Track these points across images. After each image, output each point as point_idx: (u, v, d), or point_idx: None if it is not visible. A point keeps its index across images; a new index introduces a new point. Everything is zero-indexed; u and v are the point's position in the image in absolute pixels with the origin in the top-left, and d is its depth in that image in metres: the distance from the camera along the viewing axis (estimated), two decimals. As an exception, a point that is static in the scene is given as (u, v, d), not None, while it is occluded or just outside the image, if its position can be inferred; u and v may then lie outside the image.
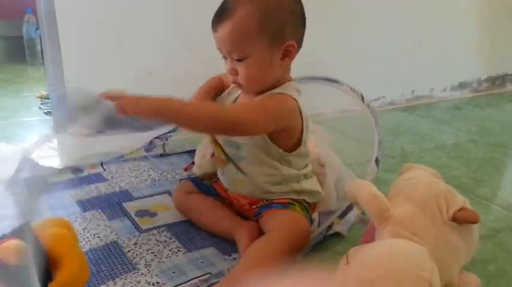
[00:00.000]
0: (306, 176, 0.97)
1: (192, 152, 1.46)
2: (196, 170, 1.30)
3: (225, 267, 0.87)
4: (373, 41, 1.90)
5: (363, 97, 1.06)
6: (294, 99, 0.88)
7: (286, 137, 0.90)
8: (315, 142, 1.28)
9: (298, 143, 0.92)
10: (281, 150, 0.91)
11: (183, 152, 1.50)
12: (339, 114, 1.76)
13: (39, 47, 2.77)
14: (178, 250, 0.93)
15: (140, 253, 0.92)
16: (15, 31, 2.90)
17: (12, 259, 0.60)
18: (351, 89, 1.07)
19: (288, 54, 0.87)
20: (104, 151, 1.38)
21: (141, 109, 0.73)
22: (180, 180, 1.25)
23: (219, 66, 0.94)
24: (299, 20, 0.88)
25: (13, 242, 0.62)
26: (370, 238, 0.75)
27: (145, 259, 0.90)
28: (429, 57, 2.06)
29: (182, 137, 1.50)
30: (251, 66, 0.85)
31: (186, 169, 1.35)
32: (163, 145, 1.48)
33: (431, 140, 1.65)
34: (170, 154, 1.48)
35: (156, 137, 1.46)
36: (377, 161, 1.00)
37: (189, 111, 0.79)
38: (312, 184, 0.98)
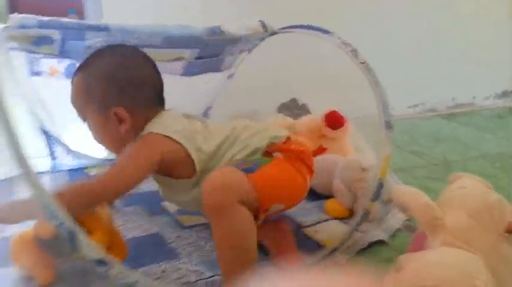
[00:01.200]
0: None
1: None
2: None
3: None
4: (413, 46, 1.87)
5: (356, 52, 0.92)
6: (156, 133, 0.82)
7: (177, 167, 0.84)
8: (354, 146, 1.28)
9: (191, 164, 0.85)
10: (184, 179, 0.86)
11: None
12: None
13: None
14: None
15: (182, 245, 0.94)
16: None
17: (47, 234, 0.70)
18: (343, 42, 0.94)
19: (123, 120, 0.83)
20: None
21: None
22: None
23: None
24: (129, 86, 0.84)
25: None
26: (419, 246, 0.74)
27: (187, 251, 0.92)
28: (472, 64, 2.01)
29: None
30: (91, 128, 0.86)
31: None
32: None
33: (474, 149, 1.61)
34: None
35: None
36: (388, 125, 0.89)
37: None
38: None
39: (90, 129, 0.86)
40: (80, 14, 2.87)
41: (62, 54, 0.98)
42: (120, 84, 0.83)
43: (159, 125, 0.83)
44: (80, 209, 0.75)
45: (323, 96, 1.51)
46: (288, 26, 1.07)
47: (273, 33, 1.11)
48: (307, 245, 0.95)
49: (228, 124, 0.90)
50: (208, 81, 1.27)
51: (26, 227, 0.80)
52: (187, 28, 0.99)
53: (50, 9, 3.03)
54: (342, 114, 1.25)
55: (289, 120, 1.37)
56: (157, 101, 0.88)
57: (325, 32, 0.97)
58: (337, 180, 1.08)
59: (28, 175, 0.62)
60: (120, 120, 0.83)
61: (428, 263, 0.62)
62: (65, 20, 0.90)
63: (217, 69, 1.25)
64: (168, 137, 0.81)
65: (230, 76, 1.32)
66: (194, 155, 0.82)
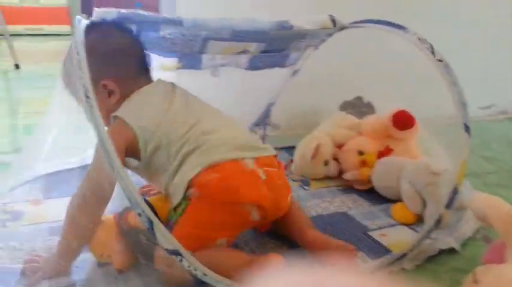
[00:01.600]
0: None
1: (290, 149, 1.45)
2: (295, 170, 1.30)
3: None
4: (485, 41, 1.77)
5: (433, 49, 0.87)
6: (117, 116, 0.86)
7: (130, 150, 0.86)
8: (422, 150, 1.23)
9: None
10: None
11: (282, 148, 1.48)
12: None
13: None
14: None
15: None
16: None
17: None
18: (419, 38, 0.89)
19: (111, 93, 0.89)
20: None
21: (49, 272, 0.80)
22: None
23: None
24: (110, 57, 0.89)
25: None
26: (497, 257, 0.69)
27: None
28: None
29: (280, 133, 1.51)
30: None
31: (285, 168, 1.34)
32: (264, 138, 1.46)
33: (550, 155, 1.50)
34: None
35: (256, 124, 1.45)
36: (467, 128, 0.85)
37: (66, 235, 0.80)
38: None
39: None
40: (149, 7, 2.97)
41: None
42: (104, 57, 0.88)
43: (127, 107, 0.88)
44: (86, 219, 0.80)
45: (390, 95, 1.47)
46: (358, 20, 1.04)
47: (343, 28, 1.08)
48: (373, 248, 0.93)
49: (199, 112, 0.91)
50: (272, 77, 1.28)
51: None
52: (255, 22, 0.99)
53: (120, 2, 3.17)
54: (411, 114, 1.20)
55: (351, 118, 1.34)
56: (140, 71, 0.94)
57: (400, 27, 0.93)
58: (405, 184, 1.05)
59: (115, 168, 0.67)
60: (109, 93, 0.89)
61: (509, 280, 0.59)
62: (143, 13, 0.93)
63: (282, 64, 1.24)
64: (128, 123, 0.85)
65: (295, 72, 1.30)
66: (141, 145, 0.85)
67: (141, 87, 0.92)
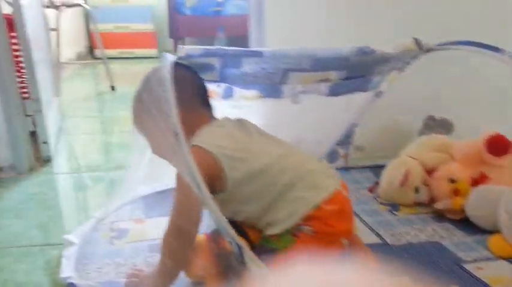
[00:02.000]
0: None
1: (375, 169, 1.44)
2: (382, 195, 1.28)
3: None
4: None
5: None
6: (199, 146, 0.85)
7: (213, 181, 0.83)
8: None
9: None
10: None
11: (365, 167, 1.48)
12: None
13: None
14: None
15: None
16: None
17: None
18: None
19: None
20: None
21: None
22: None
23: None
24: (178, 92, 0.81)
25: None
26: None
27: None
28: None
29: (364, 155, 1.49)
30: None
31: (370, 191, 1.33)
32: (346, 157, 1.46)
33: None
34: (352, 168, 1.47)
35: (338, 144, 1.44)
36: None
37: (164, 259, 0.84)
38: None
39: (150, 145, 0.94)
40: (231, 30, 3.09)
41: (222, 79, 1.06)
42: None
43: (203, 137, 0.87)
44: (181, 246, 0.83)
45: (475, 116, 1.41)
46: (447, 42, 1.02)
47: (429, 50, 1.06)
48: (470, 282, 0.89)
49: (279, 143, 0.91)
50: (353, 100, 1.27)
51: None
52: (335, 49, 1.01)
53: (205, 27, 3.33)
54: (506, 138, 1.14)
55: (441, 139, 1.28)
56: (205, 106, 0.95)
57: (493, 49, 0.91)
58: (503, 214, 0.99)
59: (207, 200, 0.71)
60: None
61: None
62: (226, 48, 0.98)
63: (363, 89, 1.24)
64: (209, 151, 0.84)
65: (378, 94, 1.29)
66: (229, 173, 0.83)
67: (206, 122, 0.92)
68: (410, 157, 1.25)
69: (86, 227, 1.11)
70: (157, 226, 1.01)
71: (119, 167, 1.51)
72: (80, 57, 3.64)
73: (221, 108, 1.12)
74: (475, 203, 1.07)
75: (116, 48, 3.73)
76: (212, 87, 1.12)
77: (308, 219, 0.82)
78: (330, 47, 1.01)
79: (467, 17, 1.46)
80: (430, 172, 1.22)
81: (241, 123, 0.95)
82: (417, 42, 1.05)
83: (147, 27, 3.87)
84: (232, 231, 0.73)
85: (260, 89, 1.13)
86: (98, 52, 3.71)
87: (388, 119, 1.51)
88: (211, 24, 3.27)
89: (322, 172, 0.88)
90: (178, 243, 0.83)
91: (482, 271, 0.92)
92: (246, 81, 1.08)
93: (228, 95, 1.13)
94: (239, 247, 0.73)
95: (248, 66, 1.00)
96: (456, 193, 1.12)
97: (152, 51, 3.88)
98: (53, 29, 2.35)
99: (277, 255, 0.82)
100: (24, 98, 1.55)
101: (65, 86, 2.51)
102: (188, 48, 0.93)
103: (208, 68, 0.99)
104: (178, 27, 3.44)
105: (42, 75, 1.68)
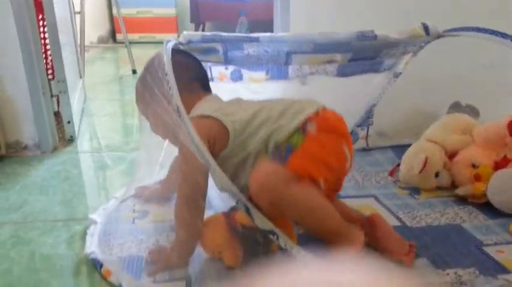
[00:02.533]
0: None
1: (396, 148, 1.43)
2: (402, 179, 1.26)
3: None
4: None
5: None
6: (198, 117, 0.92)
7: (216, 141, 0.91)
8: None
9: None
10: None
11: (387, 148, 1.46)
12: None
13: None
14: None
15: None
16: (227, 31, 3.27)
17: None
18: None
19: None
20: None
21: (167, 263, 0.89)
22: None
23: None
24: (179, 75, 0.88)
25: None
26: None
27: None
28: None
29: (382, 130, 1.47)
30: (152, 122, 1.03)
31: (391, 174, 1.32)
32: (367, 138, 1.45)
33: None
34: (373, 148, 1.46)
35: (357, 125, 1.44)
36: None
37: (178, 233, 0.90)
38: None
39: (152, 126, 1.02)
40: (252, 15, 3.08)
41: (227, 62, 1.09)
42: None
43: (199, 109, 0.94)
44: (191, 216, 0.88)
45: (496, 100, 1.38)
46: (456, 28, 1.01)
47: (439, 36, 1.05)
48: (488, 265, 0.88)
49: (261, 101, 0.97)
50: (369, 81, 1.26)
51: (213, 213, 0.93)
52: (333, 34, 1.02)
53: (226, 12, 3.32)
54: None
55: (466, 119, 1.26)
56: (200, 86, 1.01)
57: (502, 35, 0.90)
58: None
59: (209, 163, 0.78)
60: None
61: None
62: (224, 34, 1.01)
63: (376, 70, 1.24)
64: (207, 116, 0.91)
65: (397, 75, 1.27)
66: (229, 126, 0.90)
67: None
68: (431, 140, 1.23)
69: (108, 208, 1.13)
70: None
71: (138, 148, 1.54)
72: (101, 40, 3.68)
73: (235, 90, 1.14)
74: (496, 187, 1.06)
75: (137, 32, 3.75)
76: (220, 70, 1.14)
77: (311, 119, 0.91)
78: (328, 32, 1.01)
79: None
80: (451, 155, 1.20)
81: (232, 98, 1.02)
82: (425, 27, 1.03)
83: (169, 11, 3.88)
84: (238, 192, 0.80)
85: (266, 70, 1.15)
86: (119, 36, 3.75)
87: (410, 104, 1.49)
88: (232, 9, 3.26)
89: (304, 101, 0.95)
90: (189, 214, 0.87)
91: (503, 254, 0.91)
92: (250, 63, 1.10)
93: (236, 77, 1.16)
94: (247, 209, 0.80)
95: (251, 49, 1.03)
96: (477, 178, 1.11)
97: (173, 36, 3.89)
98: (77, 12, 2.38)
99: (292, 153, 0.88)
100: (50, 79, 1.58)
101: (87, 69, 2.55)
102: (188, 34, 0.97)
103: (212, 51, 1.03)
104: (199, 11, 3.44)
105: (67, 57, 1.71)
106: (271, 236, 0.81)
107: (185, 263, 0.89)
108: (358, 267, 0.38)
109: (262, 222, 0.80)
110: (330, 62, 1.12)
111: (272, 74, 1.16)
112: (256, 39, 0.99)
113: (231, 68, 1.15)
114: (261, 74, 1.17)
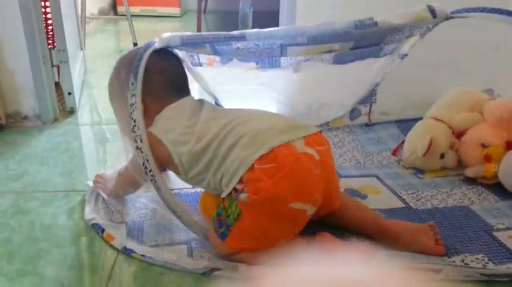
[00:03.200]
0: None
1: (400, 123, 1.40)
2: (405, 161, 1.24)
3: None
4: None
5: None
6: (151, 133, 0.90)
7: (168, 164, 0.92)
8: None
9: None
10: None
11: (390, 122, 1.42)
12: None
13: (250, 23, 2.99)
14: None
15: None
16: (230, 6, 3.22)
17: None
18: None
19: (146, 110, 0.90)
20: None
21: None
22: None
23: None
24: (148, 81, 0.90)
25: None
26: None
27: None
28: None
29: (383, 109, 1.45)
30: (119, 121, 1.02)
31: (394, 153, 1.29)
32: (369, 115, 1.41)
33: None
34: (375, 124, 1.42)
35: (360, 103, 1.40)
36: None
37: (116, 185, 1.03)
38: None
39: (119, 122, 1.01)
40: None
41: (216, 53, 1.02)
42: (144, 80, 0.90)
43: (159, 123, 0.91)
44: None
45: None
46: (465, 8, 0.97)
47: (448, 18, 1.01)
48: (498, 252, 0.85)
49: (231, 114, 0.90)
50: (370, 65, 1.23)
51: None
52: (328, 25, 0.95)
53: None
54: None
55: (474, 94, 1.22)
56: (172, 92, 0.95)
57: None
58: None
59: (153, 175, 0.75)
60: (145, 109, 0.90)
61: None
62: (205, 34, 0.95)
63: (376, 56, 1.19)
64: (158, 138, 0.89)
65: (402, 57, 1.23)
66: (175, 158, 0.87)
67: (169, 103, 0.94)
68: (437, 118, 1.20)
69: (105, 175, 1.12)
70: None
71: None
72: (102, 12, 3.61)
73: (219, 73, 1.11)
74: (507, 168, 1.03)
75: (138, 5, 3.68)
76: (208, 56, 1.09)
77: (245, 182, 0.79)
78: (324, 23, 0.95)
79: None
80: (459, 134, 1.17)
81: (199, 102, 0.96)
82: (430, 9, 0.99)
83: (171, -15, 3.80)
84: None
85: (256, 61, 1.12)
86: (120, 8, 3.67)
87: (412, 86, 1.46)
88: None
89: (275, 128, 0.83)
90: (125, 184, 1.01)
91: None
92: (242, 55, 1.05)
93: (226, 61, 1.12)
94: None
95: (239, 44, 0.97)
96: (488, 158, 1.07)
97: (175, 10, 3.82)
98: (77, -18, 2.32)
99: (229, 229, 0.81)
100: (51, 48, 1.55)
101: (87, 41, 2.50)
102: (165, 39, 0.93)
103: (199, 45, 0.98)
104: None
105: (68, 28, 1.67)
106: None
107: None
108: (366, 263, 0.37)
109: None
110: (328, 51, 1.06)
111: (262, 64, 1.12)
112: (243, 37, 0.93)
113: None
114: (251, 64, 1.13)
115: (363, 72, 1.29)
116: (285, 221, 0.80)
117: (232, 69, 1.12)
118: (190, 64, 1.08)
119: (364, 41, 1.04)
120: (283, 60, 1.13)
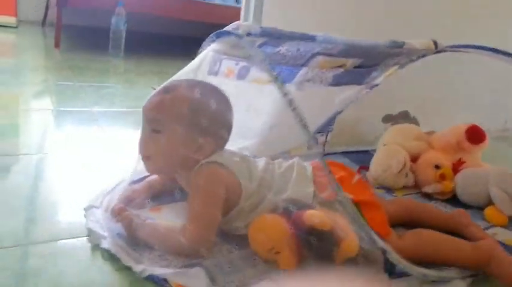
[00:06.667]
0: None
1: (350, 154, 1.52)
2: (373, 180, 1.35)
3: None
4: None
5: None
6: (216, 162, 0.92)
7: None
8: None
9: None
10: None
11: (343, 153, 1.53)
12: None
13: (123, 40, 2.83)
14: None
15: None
16: (101, 22, 2.99)
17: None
18: None
19: (200, 149, 0.93)
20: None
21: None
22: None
23: None
24: (220, 128, 0.96)
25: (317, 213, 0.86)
26: None
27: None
28: None
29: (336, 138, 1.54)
30: (163, 140, 0.92)
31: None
32: (325, 143, 1.47)
33: None
34: (329, 154, 1.50)
35: (317, 132, 1.41)
36: None
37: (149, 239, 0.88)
38: None
39: (159, 140, 0.93)
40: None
41: (248, 58, 1.04)
42: (209, 120, 0.93)
43: (217, 157, 0.93)
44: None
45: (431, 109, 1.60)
46: (459, 45, 1.08)
47: (440, 51, 1.11)
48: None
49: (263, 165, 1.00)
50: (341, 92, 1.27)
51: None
52: (375, 42, 1.05)
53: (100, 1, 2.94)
54: (482, 128, 1.33)
55: (418, 129, 1.43)
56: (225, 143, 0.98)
57: (507, 54, 0.99)
58: (494, 188, 1.19)
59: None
60: (199, 148, 0.92)
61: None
62: (282, 30, 0.99)
63: (359, 82, 1.27)
64: (225, 167, 0.91)
65: (372, 87, 1.35)
66: (243, 185, 0.92)
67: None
68: (396, 144, 1.37)
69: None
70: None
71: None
72: None
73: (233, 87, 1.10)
74: (464, 183, 1.25)
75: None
76: (230, 65, 1.09)
77: None
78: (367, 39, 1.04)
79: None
80: (413, 159, 1.36)
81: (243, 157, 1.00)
82: (435, 43, 1.10)
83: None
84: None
85: (278, 71, 1.10)
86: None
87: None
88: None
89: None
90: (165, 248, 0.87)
91: (496, 236, 1.07)
92: (271, 61, 1.05)
93: (242, 76, 1.11)
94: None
95: (286, 47, 1.00)
96: (443, 177, 1.28)
97: (10, 19, 3.26)
98: None
99: None
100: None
101: None
102: (246, 26, 0.92)
103: (278, 38, 0.99)
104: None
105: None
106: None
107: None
108: None
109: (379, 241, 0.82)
110: (340, 66, 1.12)
111: (282, 74, 1.11)
112: (313, 39, 0.98)
113: (241, 64, 1.11)
114: (266, 76, 1.14)
115: (326, 100, 1.39)
116: None
117: (241, 84, 1.12)
118: (207, 71, 1.07)
119: (369, 61, 1.11)
120: (299, 74, 1.13)
